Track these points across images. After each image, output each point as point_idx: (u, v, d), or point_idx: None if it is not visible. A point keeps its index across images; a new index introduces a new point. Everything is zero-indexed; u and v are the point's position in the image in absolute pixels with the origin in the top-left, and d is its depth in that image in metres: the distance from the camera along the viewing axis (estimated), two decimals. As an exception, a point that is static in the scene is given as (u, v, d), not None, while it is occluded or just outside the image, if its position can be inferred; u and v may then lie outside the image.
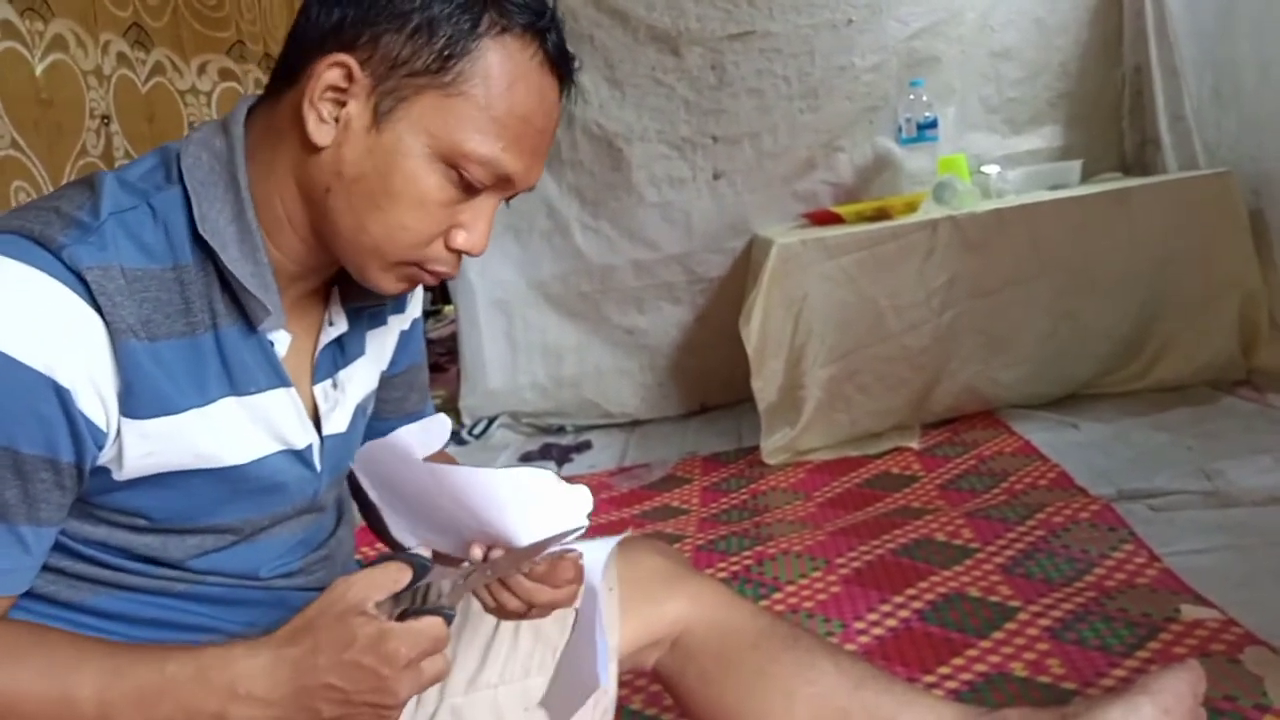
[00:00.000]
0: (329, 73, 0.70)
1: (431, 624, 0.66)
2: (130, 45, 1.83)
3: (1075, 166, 2.56)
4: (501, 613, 0.80)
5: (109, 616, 0.75)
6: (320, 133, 0.71)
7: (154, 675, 0.63)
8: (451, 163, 0.71)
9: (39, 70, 1.54)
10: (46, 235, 0.64)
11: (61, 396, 0.64)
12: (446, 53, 0.69)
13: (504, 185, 0.74)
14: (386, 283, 0.76)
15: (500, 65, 0.70)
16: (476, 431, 2.98)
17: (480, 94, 0.70)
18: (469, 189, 0.73)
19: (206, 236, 0.70)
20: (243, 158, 0.74)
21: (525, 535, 0.74)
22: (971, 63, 2.82)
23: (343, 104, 0.71)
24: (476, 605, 0.95)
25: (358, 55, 0.70)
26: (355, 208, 0.72)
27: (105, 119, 1.72)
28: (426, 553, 0.73)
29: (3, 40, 1.45)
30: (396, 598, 0.67)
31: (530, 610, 0.79)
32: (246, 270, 0.72)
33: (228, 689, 0.62)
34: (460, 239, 0.74)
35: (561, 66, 0.75)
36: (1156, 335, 2.37)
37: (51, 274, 0.63)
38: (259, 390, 0.75)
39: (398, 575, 0.67)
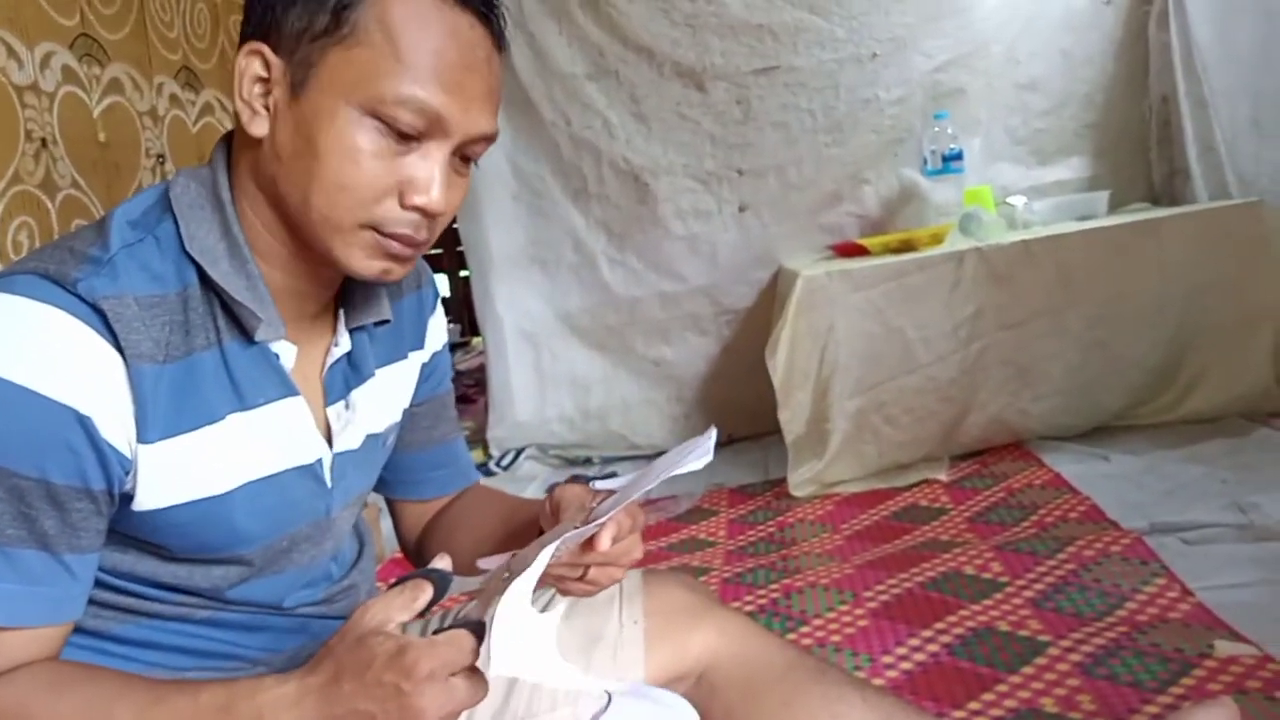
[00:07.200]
0: (246, 63, 0.72)
1: (452, 635, 0.62)
2: (181, 87, 1.89)
3: (1103, 197, 2.56)
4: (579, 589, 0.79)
5: (132, 644, 0.77)
6: (255, 124, 0.73)
7: (189, 704, 0.64)
8: (372, 112, 0.70)
9: (97, 112, 1.59)
10: (61, 272, 0.67)
11: (85, 426, 0.66)
12: (339, 7, 0.70)
13: (441, 130, 0.72)
14: (357, 260, 0.74)
15: (396, 6, 0.70)
16: (505, 463, 3.00)
17: (379, 39, 0.69)
18: (404, 138, 0.71)
19: (194, 254, 0.73)
20: (225, 178, 0.77)
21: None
22: (997, 94, 2.83)
23: (270, 92, 0.72)
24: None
25: (270, 41, 0.72)
26: (298, 184, 0.72)
27: (160, 158, 1.78)
28: (447, 566, 0.71)
29: (64, 84, 1.50)
30: (428, 619, 0.66)
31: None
32: (239, 284, 0.74)
33: (256, 718, 0.63)
34: (414, 195, 0.72)
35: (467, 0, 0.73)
36: (1189, 366, 2.35)
37: (67, 309, 0.66)
38: (267, 401, 0.77)
39: (415, 594, 0.65)
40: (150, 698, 0.65)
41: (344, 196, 0.71)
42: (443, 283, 5.89)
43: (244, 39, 0.74)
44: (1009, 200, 2.65)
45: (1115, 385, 2.37)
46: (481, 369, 3.27)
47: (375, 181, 0.71)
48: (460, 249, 3.14)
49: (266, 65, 0.72)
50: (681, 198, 2.91)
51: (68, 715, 0.65)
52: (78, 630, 0.74)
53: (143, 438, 0.70)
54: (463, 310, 4.15)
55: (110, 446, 0.68)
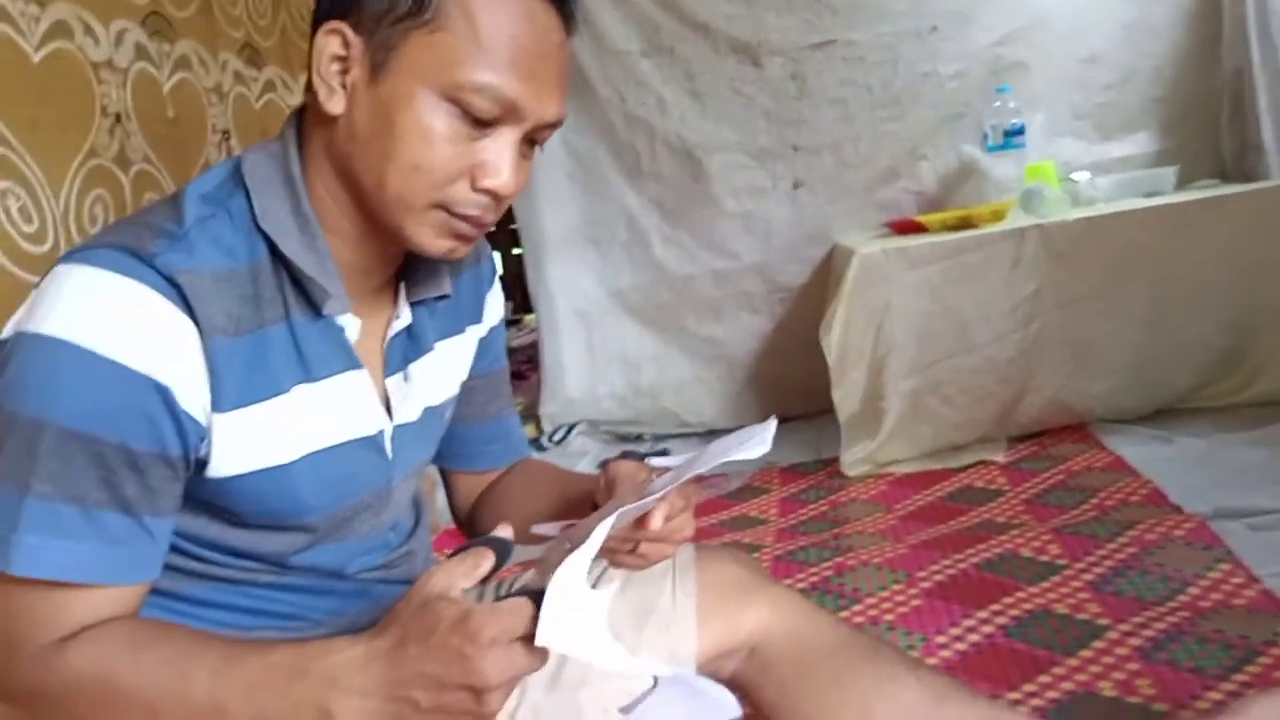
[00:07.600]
0: (325, 42, 0.73)
1: (514, 603, 0.63)
2: (244, 64, 1.92)
3: (1170, 173, 2.48)
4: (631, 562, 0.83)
5: (200, 603, 0.79)
6: (332, 102, 0.74)
7: (261, 664, 0.66)
8: (450, 97, 0.71)
9: (167, 89, 1.62)
10: (140, 247, 0.69)
11: (164, 395, 0.69)
12: None
13: (514, 116, 0.73)
14: (426, 239, 0.76)
15: None
16: (556, 438, 3.02)
17: (461, 25, 0.70)
18: (479, 124, 0.73)
19: (266, 229, 0.75)
20: (295, 154, 0.78)
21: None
22: (1059, 69, 2.76)
23: (347, 71, 0.74)
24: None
25: (349, 20, 0.73)
26: (373, 165, 0.74)
27: (225, 134, 1.81)
28: (508, 534, 0.72)
29: (137, 61, 1.53)
30: (487, 586, 0.66)
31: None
32: (309, 259, 0.76)
33: (327, 679, 0.65)
34: (486, 179, 0.74)
35: None
36: (1257, 348, 2.28)
37: (147, 282, 0.68)
38: (332, 373, 0.79)
39: (477, 560, 0.67)
40: (224, 656, 0.68)
41: (418, 178, 0.73)
42: (495, 260, 5.94)
43: (322, 17, 0.75)
44: (1073, 176, 2.59)
45: (1179, 366, 2.31)
46: (534, 345, 3.30)
47: (449, 164, 0.73)
48: (513, 227, 3.16)
49: (345, 44, 0.73)
50: (735, 175, 2.89)
51: (149, 673, 0.67)
52: (152, 591, 0.76)
53: (216, 407, 0.72)
54: (515, 287, 4.17)
55: (187, 415, 0.70)
